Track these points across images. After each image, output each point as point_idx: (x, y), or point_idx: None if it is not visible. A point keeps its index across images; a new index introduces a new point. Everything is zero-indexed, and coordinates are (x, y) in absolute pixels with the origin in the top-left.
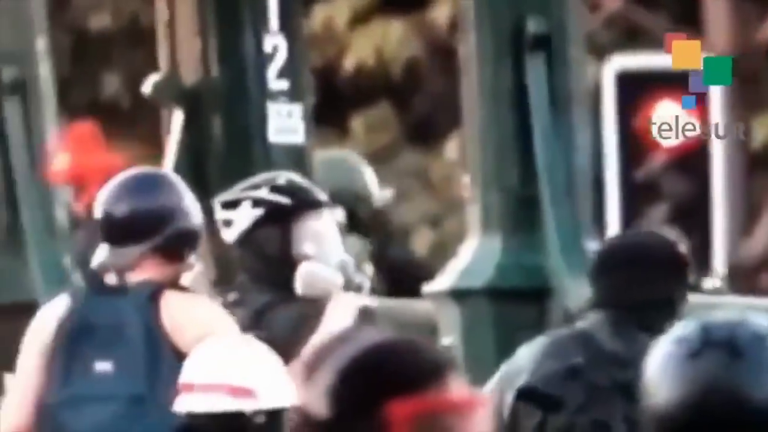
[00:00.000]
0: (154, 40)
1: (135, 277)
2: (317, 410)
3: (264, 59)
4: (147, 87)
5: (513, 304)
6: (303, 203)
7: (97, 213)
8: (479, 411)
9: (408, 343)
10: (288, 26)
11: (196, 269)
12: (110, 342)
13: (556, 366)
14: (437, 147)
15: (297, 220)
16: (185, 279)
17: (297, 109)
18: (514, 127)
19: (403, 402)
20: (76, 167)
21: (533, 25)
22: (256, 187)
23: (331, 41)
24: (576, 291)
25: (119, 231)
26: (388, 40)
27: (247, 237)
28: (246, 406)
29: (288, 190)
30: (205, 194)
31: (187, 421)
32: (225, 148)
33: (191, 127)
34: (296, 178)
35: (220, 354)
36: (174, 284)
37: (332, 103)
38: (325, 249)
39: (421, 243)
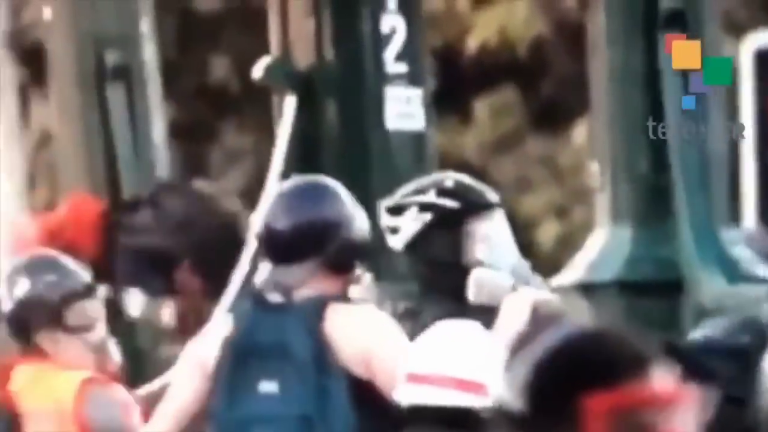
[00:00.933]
0: (265, 22)
1: (301, 293)
2: (513, 404)
3: (381, 41)
4: (257, 71)
5: (644, 298)
6: (472, 206)
7: (258, 229)
8: (684, 406)
9: (606, 333)
10: (407, 5)
11: (364, 280)
12: (276, 361)
13: (714, 342)
14: (565, 133)
15: (467, 224)
16: (354, 291)
17: (416, 94)
18: (646, 111)
19: (601, 395)
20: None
21: (667, 1)
22: (423, 190)
23: (453, 20)
24: (710, 284)
25: (283, 247)
26: (513, 19)
27: (416, 243)
28: (475, 401)
29: (456, 192)
30: None
31: (409, 413)
32: (339, 135)
33: (304, 113)
34: (464, 179)
35: (447, 344)
36: (342, 297)
37: (453, 87)
38: (497, 253)
39: (546, 234)
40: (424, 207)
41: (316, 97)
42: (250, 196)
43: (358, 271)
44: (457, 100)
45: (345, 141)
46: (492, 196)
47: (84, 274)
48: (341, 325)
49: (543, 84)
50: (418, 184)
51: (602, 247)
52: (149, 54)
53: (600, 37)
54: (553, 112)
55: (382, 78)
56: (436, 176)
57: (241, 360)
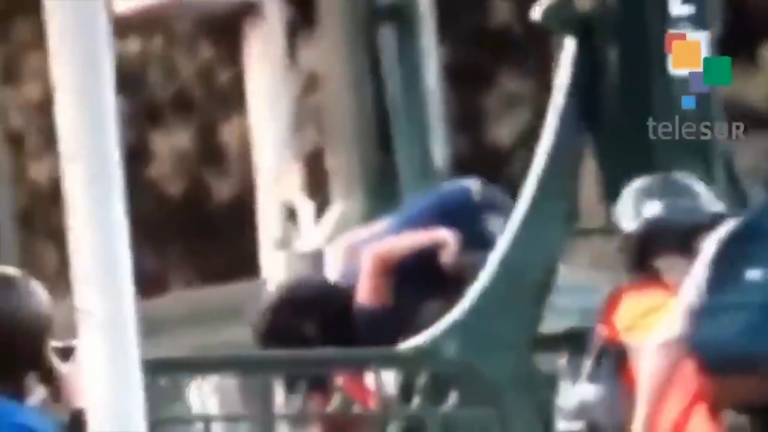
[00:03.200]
0: None
1: None
2: None
3: None
4: (536, 13)
5: None
6: None
7: None
8: None
9: None
10: None
11: None
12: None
13: None
14: None
15: None
16: None
17: (703, 38)
18: None
19: None
20: None
21: None
22: None
23: None
24: None
25: None
26: None
27: None
28: None
29: None
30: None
31: None
32: (621, 80)
33: (584, 57)
34: None
35: None
36: None
37: (743, 32)
38: None
39: None
40: None
41: (596, 41)
42: (526, 143)
43: None
44: (745, 45)
45: (626, 87)
46: None
47: (715, 203)
48: None
49: None
50: None
51: None
52: None
53: None
54: None
55: (666, 20)
56: None
57: (737, 247)
